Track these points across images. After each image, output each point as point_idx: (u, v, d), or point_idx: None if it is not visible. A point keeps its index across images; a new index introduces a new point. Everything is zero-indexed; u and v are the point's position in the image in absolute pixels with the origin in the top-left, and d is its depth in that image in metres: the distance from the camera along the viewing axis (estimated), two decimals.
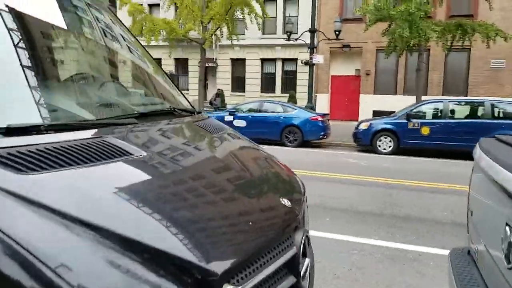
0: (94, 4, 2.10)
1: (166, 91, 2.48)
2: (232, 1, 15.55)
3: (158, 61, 24.92)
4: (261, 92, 22.67)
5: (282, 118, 12.71)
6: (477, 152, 2.00)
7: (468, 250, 2.24)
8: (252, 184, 1.63)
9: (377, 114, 17.81)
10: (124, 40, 2.32)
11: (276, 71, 22.72)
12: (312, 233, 4.61)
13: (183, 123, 2.00)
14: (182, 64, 25.05)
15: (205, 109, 18.81)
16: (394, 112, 13.24)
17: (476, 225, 1.97)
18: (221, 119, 13.42)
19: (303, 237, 1.45)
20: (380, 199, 6.17)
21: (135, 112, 1.77)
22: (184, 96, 2.56)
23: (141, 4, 22.54)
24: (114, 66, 2.32)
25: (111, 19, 2.21)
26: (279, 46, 22.05)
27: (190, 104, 2.53)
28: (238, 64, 23.48)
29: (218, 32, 18.59)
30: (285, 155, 10.66)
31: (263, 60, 22.93)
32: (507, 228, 1.30)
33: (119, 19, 2.33)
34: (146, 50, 2.49)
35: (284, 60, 22.51)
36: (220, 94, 20.13)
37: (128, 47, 2.39)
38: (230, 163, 1.73)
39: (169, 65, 25.04)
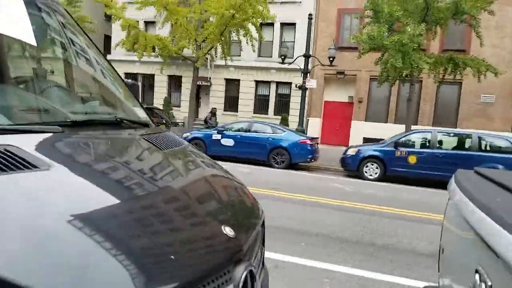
0: (39, 2, 1.92)
1: (119, 100, 2.29)
2: (228, 22, 15.70)
3: (151, 76, 25.03)
4: (254, 113, 22.69)
5: (270, 139, 12.63)
6: (452, 185, 1.79)
7: None
8: (188, 209, 1.41)
9: (367, 140, 17.88)
10: (74, 43, 2.13)
11: (270, 93, 22.82)
12: (284, 258, 4.45)
13: (126, 135, 1.80)
14: (175, 81, 25.09)
15: (194, 126, 18.73)
16: (383, 139, 13.23)
17: (446, 265, 1.78)
18: (209, 137, 13.33)
19: (245, 272, 1.25)
20: (360, 225, 6.01)
21: (68, 120, 1.58)
22: (144, 108, 2.40)
23: (137, 21, 22.84)
24: (59, 70, 2.15)
25: (60, 19, 2.03)
26: (274, 70, 22.23)
27: (150, 117, 2.37)
28: (232, 84, 23.58)
29: (212, 52, 18.74)
30: (270, 176, 10.55)
31: (258, 82, 23.06)
32: (477, 275, 1.13)
33: (73, 19, 2.19)
34: (105, 58, 2.34)
35: (278, 83, 22.65)
36: (214, 113, 20.08)
37: (80, 51, 2.19)
38: (167, 183, 1.49)
39: (162, 81, 25.09)
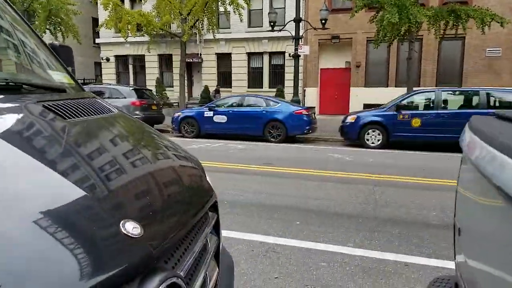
0: None
1: (31, 64, 1.92)
2: None
3: (142, 57, 24.10)
4: (249, 87, 21.85)
5: (264, 112, 11.90)
6: (467, 137, 1.30)
7: (455, 283, 1.46)
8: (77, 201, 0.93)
9: (368, 107, 17.02)
10: None
11: (264, 65, 21.90)
12: (276, 241, 3.81)
13: (13, 101, 1.34)
14: (166, 61, 24.18)
15: (189, 106, 17.99)
16: (383, 104, 12.45)
17: (467, 249, 1.20)
18: (201, 115, 12.63)
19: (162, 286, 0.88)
20: (362, 198, 5.37)
21: None
22: (70, 73, 1.99)
23: (122, 0, 21.73)
24: None
25: None
26: (266, 39, 21.23)
27: (78, 83, 1.98)
28: (224, 59, 22.66)
29: (199, 26, 17.78)
30: (265, 151, 9.89)
31: (250, 54, 22.10)
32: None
33: None
34: (26, 22, 1.94)
35: (271, 54, 21.70)
36: (218, 91, 19.22)
37: None
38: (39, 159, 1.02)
39: (153, 62, 24.17)
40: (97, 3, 18.62)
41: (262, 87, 21.63)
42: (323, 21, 14.40)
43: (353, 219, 4.46)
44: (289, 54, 20.12)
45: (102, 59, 25.40)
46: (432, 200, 5.26)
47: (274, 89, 20.45)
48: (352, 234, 3.98)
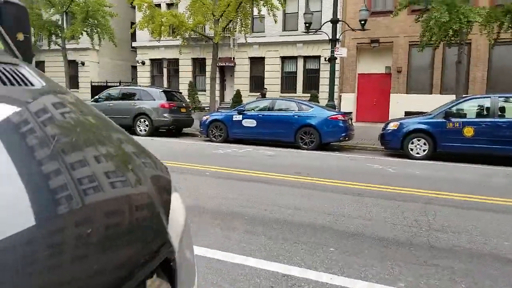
0: None
1: None
2: None
3: (176, 61, 23.95)
4: (282, 91, 21.09)
5: (296, 117, 11.08)
6: None
7: None
8: None
9: (410, 115, 15.78)
10: None
11: (298, 69, 21.05)
12: (302, 273, 2.94)
13: None
14: (200, 64, 23.89)
15: (219, 110, 17.45)
16: (426, 112, 11.28)
17: None
18: (229, 118, 11.98)
19: None
20: (411, 219, 4.43)
21: None
22: (8, 44, 1.54)
23: (158, 4, 21.67)
24: None
25: None
26: (301, 43, 20.41)
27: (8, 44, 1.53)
28: (257, 63, 22.04)
29: (232, 28, 17.28)
30: (296, 158, 9.03)
31: (284, 58, 21.34)
32: None
33: None
34: None
35: (306, 58, 20.82)
36: (265, 94, 18.27)
37: None
38: None
39: (186, 65, 23.94)
40: (134, 7, 18.57)
41: (295, 92, 20.80)
42: (363, 22, 13.44)
43: (402, 248, 3.55)
44: (325, 58, 19.20)
45: (138, 63, 25.49)
46: (499, 225, 4.25)
47: (308, 94, 19.56)
48: (402, 270, 3.08)
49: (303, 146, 10.88)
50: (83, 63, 25.94)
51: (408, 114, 16.32)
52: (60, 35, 20.30)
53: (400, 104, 18.40)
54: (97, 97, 14.59)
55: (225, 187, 5.74)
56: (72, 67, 26.16)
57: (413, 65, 18.62)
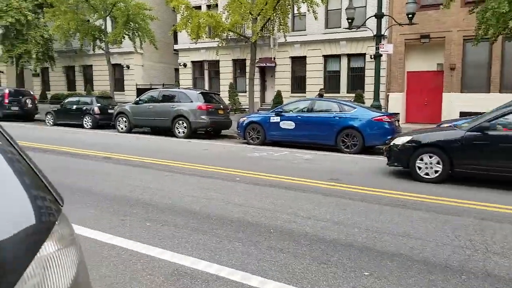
0: None
1: None
2: None
3: (216, 63, 23.97)
4: (324, 92, 20.36)
5: (337, 118, 10.45)
6: None
7: None
8: None
9: (464, 115, 14.54)
10: None
11: (341, 68, 20.21)
12: None
13: None
14: (240, 66, 23.72)
15: (259, 111, 17.12)
16: (484, 113, 10.16)
17: None
18: (267, 120, 11.60)
19: None
20: (464, 238, 3.80)
21: None
22: None
23: (197, 6, 21.76)
24: None
25: None
26: (344, 41, 19.57)
27: None
28: (298, 62, 21.45)
29: (271, 27, 16.90)
30: (335, 163, 8.37)
31: (326, 57, 20.59)
32: None
33: None
34: None
35: (350, 56, 19.94)
36: (322, 95, 17.14)
37: None
38: None
39: (227, 67, 23.87)
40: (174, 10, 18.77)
41: (339, 92, 19.99)
42: (410, 16, 12.51)
43: (453, 275, 2.97)
44: (370, 55, 18.26)
45: (180, 65, 25.82)
46: None
47: (353, 94, 18.71)
48: None
49: (345, 149, 10.24)
50: (128, 67, 26.69)
51: (463, 114, 15.07)
52: (103, 39, 20.95)
53: (454, 103, 17.07)
54: (137, 99, 14.77)
55: (254, 194, 5.35)
56: (118, 71, 27.04)
57: (468, 61, 17.20)
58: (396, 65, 18.46)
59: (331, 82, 20.55)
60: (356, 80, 19.82)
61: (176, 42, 25.75)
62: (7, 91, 18.04)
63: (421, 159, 6.57)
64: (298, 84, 21.44)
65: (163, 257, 3.15)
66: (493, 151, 6.03)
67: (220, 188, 5.66)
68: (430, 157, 6.50)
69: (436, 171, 6.43)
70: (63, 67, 29.22)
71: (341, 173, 7.12)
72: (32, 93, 19.81)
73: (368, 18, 13.99)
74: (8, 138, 0.90)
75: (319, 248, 3.45)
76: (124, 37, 20.24)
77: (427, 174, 6.51)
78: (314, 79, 20.68)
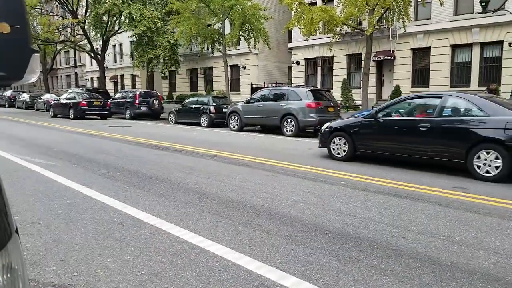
0: None
1: None
2: None
3: (330, 59, 23.34)
4: (451, 85, 18.16)
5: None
6: None
7: None
8: None
9: None
10: None
11: (472, 59, 17.73)
12: None
13: None
14: (355, 60, 22.68)
15: (374, 107, 16.06)
16: None
17: None
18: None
19: None
20: None
21: None
22: None
23: (315, 2, 21.43)
24: None
25: None
26: (477, 28, 17.10)
27: None
28: (420, 54, 19.54)
29: (389, 18, 15.65)
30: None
31: (454, 47, 18.29)
32: None
33: None
34: None
35: (483, 45, 17.36)
36: (492, 90, 13.51)
37: None
38: None
39: (341, 62, 23.06)
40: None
41: (469, 85, 17.62)
42: None
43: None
44: (509, 43, 15.63)
45: (293, 63, 25.89)
46: None
47: (483, 88, 16.29)
48: None
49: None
50: (244, 67, 27.77)
51: None
52: (221, 42, 22.12)
53: None
54: (248, 98, 15.16)
55: (359, 201, 4.86)
56: (235, 71, 28.36)
57: None
58: None
59: (459, 74, 18.28)
60: (490, 72, 17.25)
61: (290, 40, 25.91)
62: (138, 92, 20.44)
63: (334, 142, 8.06)
64: (420, 77, 19.61)
65: (250, 267, 2.97)
66: (380, 134, 7.42)
67: (321, 192, 5.30)
68: (339, 139, 7.96)
69: (344, 151, 7.90)
70: (187, 70, 31.90)
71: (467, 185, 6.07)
72: (158, 94, 22.07)
73: (507, 0, 11.92)
74: None
75: (431, 272, 2.87)
76: (240, 39, 21.05)
77: (338, 153, 8.03)
78: (439, 72, 18.64)
